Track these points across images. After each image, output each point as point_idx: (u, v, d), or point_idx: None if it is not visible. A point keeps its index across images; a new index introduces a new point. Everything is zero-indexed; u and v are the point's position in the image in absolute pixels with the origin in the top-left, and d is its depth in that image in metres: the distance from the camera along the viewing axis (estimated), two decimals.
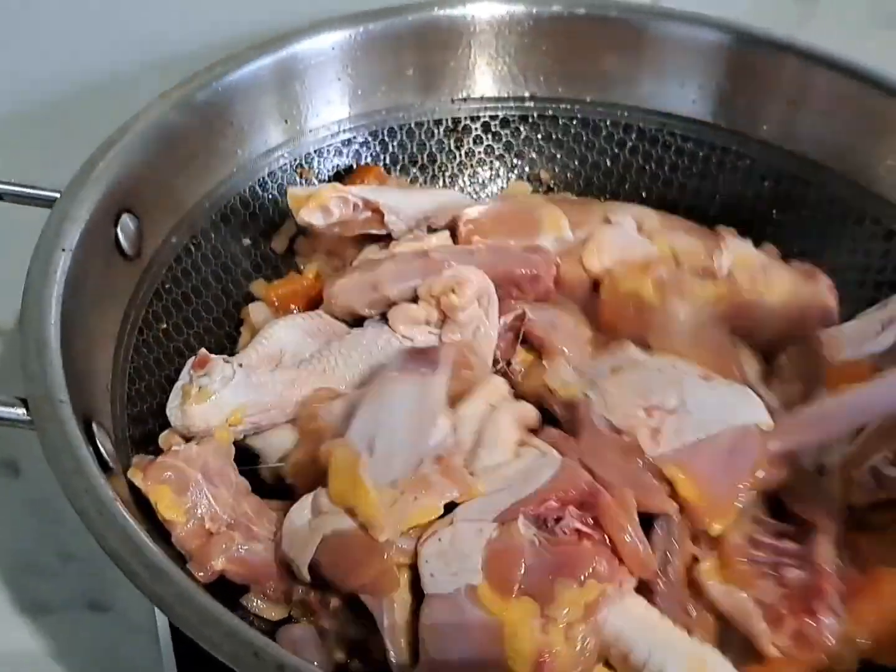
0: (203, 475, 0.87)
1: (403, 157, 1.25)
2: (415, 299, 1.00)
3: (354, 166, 1.22)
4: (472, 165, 1.29)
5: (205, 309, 1.08)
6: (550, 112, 1.26)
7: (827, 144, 1.18)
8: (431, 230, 1.12)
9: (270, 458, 0.96)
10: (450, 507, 0.83)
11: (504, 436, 0.90)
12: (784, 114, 1.20)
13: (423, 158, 1.26)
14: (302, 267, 1.17)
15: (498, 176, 1.30)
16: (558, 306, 1.05)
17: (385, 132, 1.23)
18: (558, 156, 1.29)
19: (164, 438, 0.93)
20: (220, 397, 0.91)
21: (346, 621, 0.83)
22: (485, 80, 1.25)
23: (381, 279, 1.01)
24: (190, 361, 0.95)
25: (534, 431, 0.94)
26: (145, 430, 0.94)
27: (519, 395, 0.98)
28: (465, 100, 1.25)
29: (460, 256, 1.03)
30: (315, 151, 1.19)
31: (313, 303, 1.09)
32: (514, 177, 1.29)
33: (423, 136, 1.25)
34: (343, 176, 1.21)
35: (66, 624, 1.04)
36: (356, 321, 1.05)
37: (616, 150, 1.27)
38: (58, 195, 0.94)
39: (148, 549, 0.71)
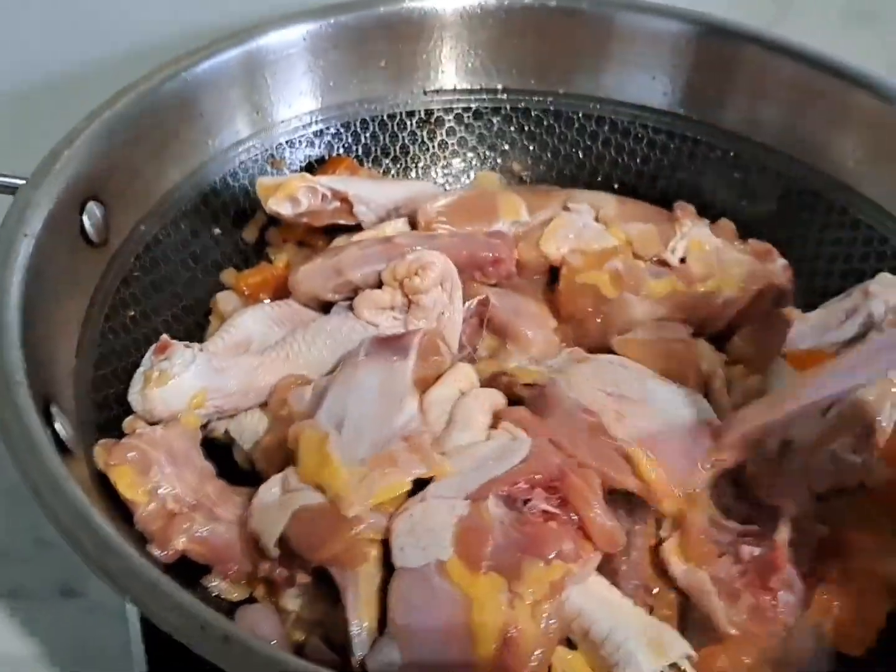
0: (167, 457, 0.88)
1: (376, 149, 1.26)
2: (379, 284, 1.01)
3: (327, 157, 1.23)
4: (445, 157, 1.30)
5: (174, 297, 1.09)
6: (523, 104, 1.27)
7: (795, 135, 1.19)
8: None
9: (245, 442, 0.97)
10: (421, 486, 0.84)
11: (475, 418, 0.91)
12: (753, 105, 1.21)
13: (395, 150, 1.27)
14: (273, 257, 1.17)
15: (471, 167, 1.31)
16: (520, 292, 1.06)
17: (357, 123, 1.24)
18: (531, 148, 1.30)
19: (127, 423, 0.94)
20: (181, 381, 0.92)
21: (310, 599, 0.85)
22: (457, 72, 1.26)
23: (344, 264, 1.02)
24: (152, 348, 0.96)
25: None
26: (110, 415, 0.95)
27: (483, 380, 0.99)
28: (437, 91, 1.26)
29: (423, 241, 1.03)
30: (287, 142, 1.20)
31: (283, 292, 1.09)
32: (486, 168, 1.30)
33: (395, 128, 1.25)
34: (315, 167, 1.22)
35: (38, 609, 1.05)
36: (323, 309, 1.06)
37: (588, 142, 1.27)
38: (23, 182, 0.95)
39: (97, 525, 0.71)
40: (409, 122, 1.26)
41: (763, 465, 0.92)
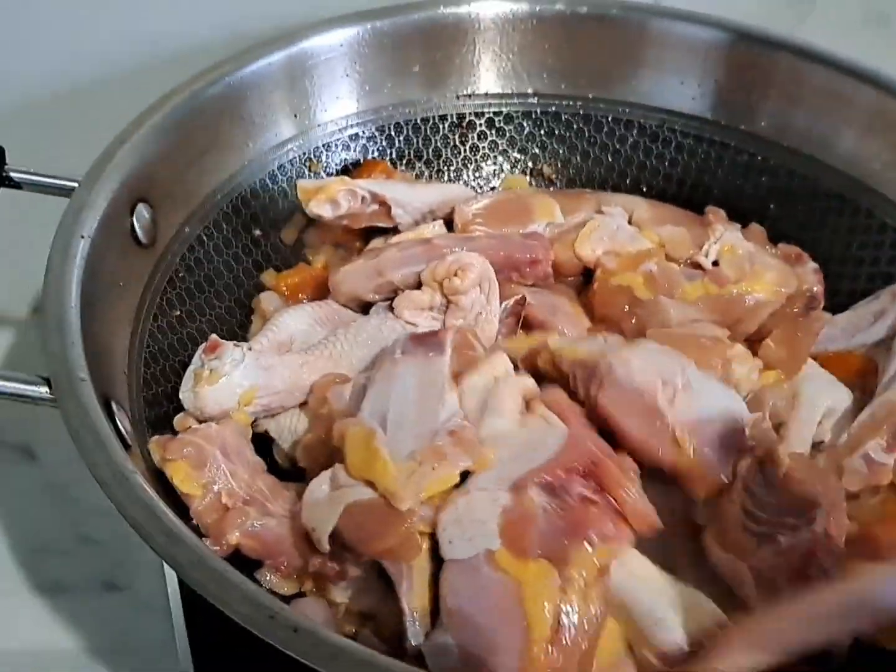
0: (221, 452, 0.90)
1: (409, 152, 1.27)
2: (418, 285, 1.03)
3: (361, 160, 1.25)
4: (476, 160, 1.31)
5: (217, 297, 1.11)
6: (553, 108, 1.29)
7: (823, 140, 1.20)
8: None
9: (285, 441, 0.99)
10: (464, 479, 0.85)
11: (508, 405, 0.92)
12: (781, 110, 1.22)
13: (428, 153, 1.28)
14: (311, 258, 1.19)
15: (502, 171, 1.32)
16: (556, 292, 1.08)
17: (391, 127, 1.25)
18: (561, 151, 1.31)
19: (178, 421, 0.96)
20: (231, 379, 0.94)
21: (361, 592, 0.86)
22: (489, 76, 1.28)
23: (384, 265, 1.05)
24: (201, 347, 0.97)
25: None
26: (160, 412, 0.97)
27: (522, 356, 1.01)
28: (469, 96, 1.28)
29: (461, 243, 1.05)
30: (323, 146, 1.22)
31: (322, 292, 1.11)
32: (517, 171, 1.32)
33: (428, 132, 1.27)
34: (350, 170, 1.24)
35: (81, 603, 1.06)
36: (363, 309, 1.08)
37: (617, 146, 1.29)
38: (75, 184, 0.97)
39: (166, 517, 0.73)
40: (441, 126, 1.28)
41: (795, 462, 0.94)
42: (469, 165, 1.31)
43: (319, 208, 1.10)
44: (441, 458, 0.84)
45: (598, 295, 1.08)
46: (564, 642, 0.76)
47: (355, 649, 0.68)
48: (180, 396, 0.96)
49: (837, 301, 1.12)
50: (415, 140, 1.27)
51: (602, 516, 0.82)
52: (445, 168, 1.30)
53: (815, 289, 1.10)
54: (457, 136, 1.30)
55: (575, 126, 1.29)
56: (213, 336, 0.98)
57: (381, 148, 1.26)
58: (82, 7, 1.11)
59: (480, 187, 1.32)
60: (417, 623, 0.81)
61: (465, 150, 1.31)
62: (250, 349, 0.97)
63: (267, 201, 1.18)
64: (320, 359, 1.00)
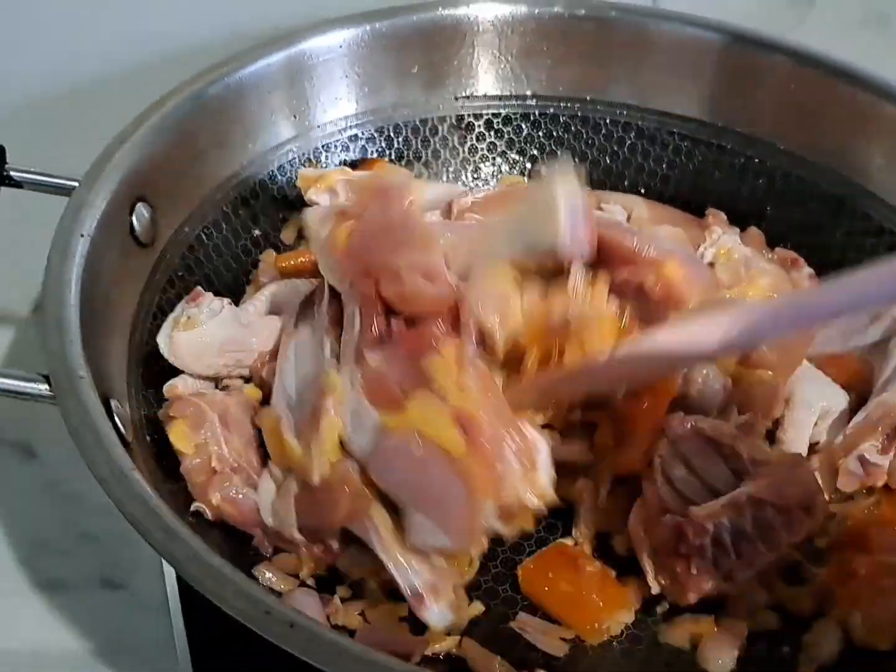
0: (220, 418, 0.93)
1: (408, 153, 1.28)
2: None
3: (360, 162, 1.25)
4: (474, 161, 1.32)
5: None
6: (551, 110, 1.29)
7: (819, 142, 1.21)
8: None
9: None
10: None
11: None
12: (777, 112, 1.23)
13: (427, 154, 1.29)
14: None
15: (500, 172, 1.33)
16: None
17: (391, 128, 1.26)
18: (559, 153, 1.32)
19: (167, 387, 0.98)
20: (207, 329, 0.96)
21: (357, 556, 0.89)
22: (488, 78, 1.28)
23: None
24: (185, 299, 0.99)
25: None
26: (158, 411, 0.97)
27: None
28: (468, 97, 1.29)
29: (455, 228, 1.06)
30: (323, 146, 1.22)
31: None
32: (515, 172, 1.32)
33: (427, 133, 1.28)
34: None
35: (80, 601, 1.06)
36: None
37: (615, 148, 1.30)
38: (76, 184, 0.97)
39: (164, 514, 0.74)
40: (440, 128, 1.28)
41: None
42: (467, 167, 1.32)
43: (318, 196, 1.11)
44: (315, 417, 0.86)
45: None
46: (477, 436, 0.80)
47: (351, 645, 0.68)
48: (157, 340, 0.97)
49: None
50: (413, 141, 1.28)
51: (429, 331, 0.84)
52: (444, 169, 1.31)
53: None
54: (455, 138, 1.30)
55: (573, 128, 1.30)
56: (198, 287, 1.00)
57: (379, 149, 1.26)
58: (83, 7, 1.12)
59: (479, 188, 1.32)
60: (402, 565, 0.83)
61: (463, 152, 1.31)
62: (231, 303, 1.00)
63: (267, 201, 1.19)
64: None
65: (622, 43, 1.26)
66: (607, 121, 1.29)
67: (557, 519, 0.97)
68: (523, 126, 1.31)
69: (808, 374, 1.04)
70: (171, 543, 0.72)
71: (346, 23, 1.19)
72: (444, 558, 0.84)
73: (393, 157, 1.27)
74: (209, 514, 0.90)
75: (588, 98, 1.29)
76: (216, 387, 1.01)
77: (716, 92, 1.26)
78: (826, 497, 0.94)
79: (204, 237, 1.11)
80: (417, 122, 1.27)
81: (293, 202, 1.19)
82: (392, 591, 0.87)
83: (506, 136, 1.31)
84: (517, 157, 1.33)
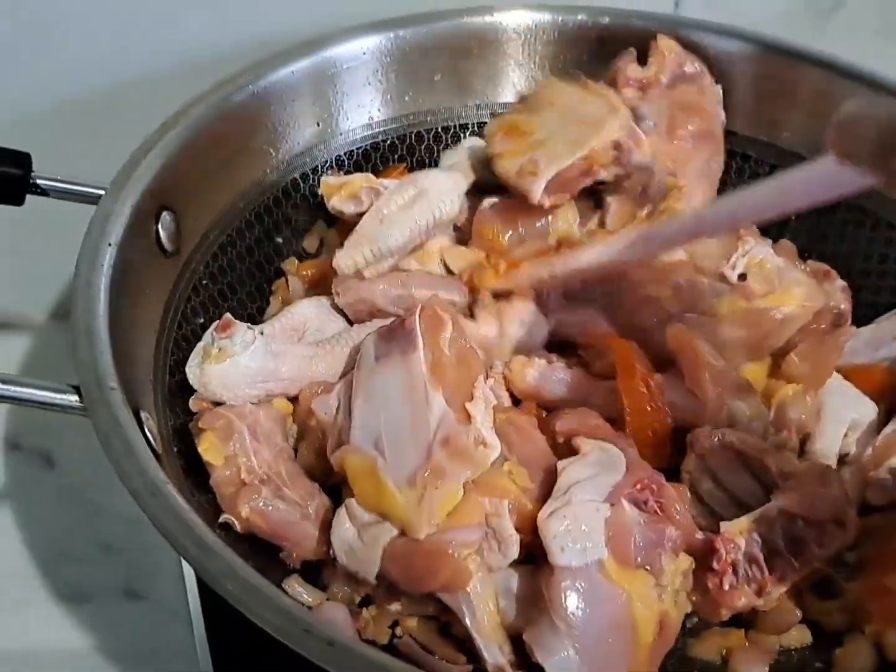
0: (249, 430, 0.92)
1: (430, 161, 1.27)
2: None
3: (382, 169, 1.24)
4: None
5: (240, 305, 1.11)
6: None
7: None
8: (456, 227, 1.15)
9: None
10: None
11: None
12: (803, 122, 1.22)
13: None
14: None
15: None
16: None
17: (413, 136, 1.25)
18: None
19: (193, 402, 0.97)
20: (238, 360, 0.95)
21: (415, 604, 0.88)
22: (510, 86, 1.28)
23: (413, 281, 1.06)
24: (215, 324, 0.98)
25: None
26: (186, 420, 0.96)
27: None
28: (490, 105, 1.28)
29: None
30: (345, 154, 1.22)
31: None
32: None
33: (449, 140, 1.27)
34: None
35: (103, 611, 1.07)
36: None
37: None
38: (101, 192, 0.97)
39: (199, 528, 0.73)
40: (462, 135, 1.27)
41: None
42: None
43: (341, 204, 1.10)
44: (442, 477, 0.85)
45: (627, 303, 1.07)
46: (661, 644, 0.82)
47: (390, 663, 0.68)
48: (186, 371, 0.97)
49: (859, 314, 1.12)
50: (435, 149, 1.27)
51: (674, 529, 0.85)
52: None
53: (842, 306, 1.09)
54: None
55: None
56: (227, 315, 0.98)
57: (401, 156, 1.26)
58: (108, 15, 1.11)
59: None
60: (489, 643, 0.83)
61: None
62: (262, 333, 0.98)
63: (289, 209, 1.18)
64: (330, 353, 1.01)
65: (645, 51, 1.25)
66: None
67: None
68: None
69: (836, 385, 1.04)
70: (207, 559, 0.71)
71: (370, 30, 1.19)
72: None
73: (415, 164, 1.26)
74: (238, 527, 0.89)
75: None
76: None
77: (739, 101, 1.25)
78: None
79: (227, 245, 1.10)
80: (440, 130, 1.27)
81: (315, 210, 1.18)
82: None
83: None
84: None
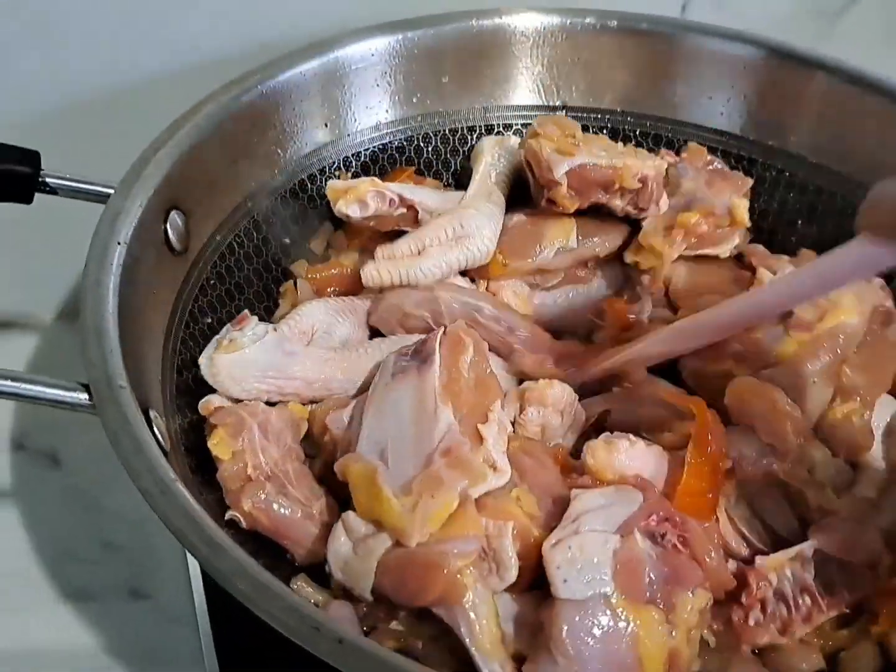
0: (259, 428, 0.92)
1: (437, 163, 1.27)
2: None
3: (389, 171, 1.25)
4: None
5: (247, 305, 1.10)
6: (581, 121, 1.28)
7: (852, 156, 1.20)
8: None
9: None
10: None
11: None
12: (810, 127, 1.23)
13: (456, 164, 1.28)
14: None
15: None
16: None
17: (420, 137, 1.25)
18: None
19: (202, 404, 0.97)
20: (248, 353, 0.96)
21: (416, 624, 0.85)
22: (518, 88, 1.28)
23: (444, 296, 1.06)
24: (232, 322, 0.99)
25: None
26: (193, 419, 0.96)
27: None
28: (498, 107, 1.28)
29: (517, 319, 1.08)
30: (353, 155, 1.22)
31: (350, 290, 1.12)
32: None
33: (456, 143, 1.27)
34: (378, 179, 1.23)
35: (107, 611, 1.07)
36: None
37: None
38: (110, 191, 0.97)
39: (209, 527, 0.73)
40: (470, 137, 1.27)
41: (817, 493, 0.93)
42: None
43: (348, 208, 1.09)
44: (438, 485, 0.84)
45: (698, 389, 1.04)
46: None
47: (401, 661, 0.67)
48: (199, 361, 0.97)
49: None
50: (443, 150, 1.27)
51: (693, 565, 0.83)
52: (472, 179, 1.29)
53: (887, 303, 1.06)
54: None
55: None
56: (245, 311, 0.99)
57: (409, 158, 1.26)
58: (117, 13, 1.11)
59: None
60: (489, 659, 0.80)
61: None
62: (275, 329, 0.98)
63: (296, 210, 1.18)
64: (346, 360, 1.01)
65: (653, 55, 1.26)
66: (637, 132, 1.29)
67: None
68: None
69: (886, 402, 1.00)
70: (217, 557, 0.71)
71: (379, 32, 1.19)
72: None
73: (422, 166, 1.26)
74: (244, 523, 0.89)
75: (618, 109, 1.29)
76: None
77: (747, 105, 1.25)
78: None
79: (235, 245, 1.10)
80: (447, 132, 1.27)
81: (323, 211, 1.18)
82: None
83: None
84: None
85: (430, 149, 1.26)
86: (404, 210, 1.12)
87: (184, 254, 1.03)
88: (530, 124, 1.26)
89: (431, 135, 1.26)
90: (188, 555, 1.10)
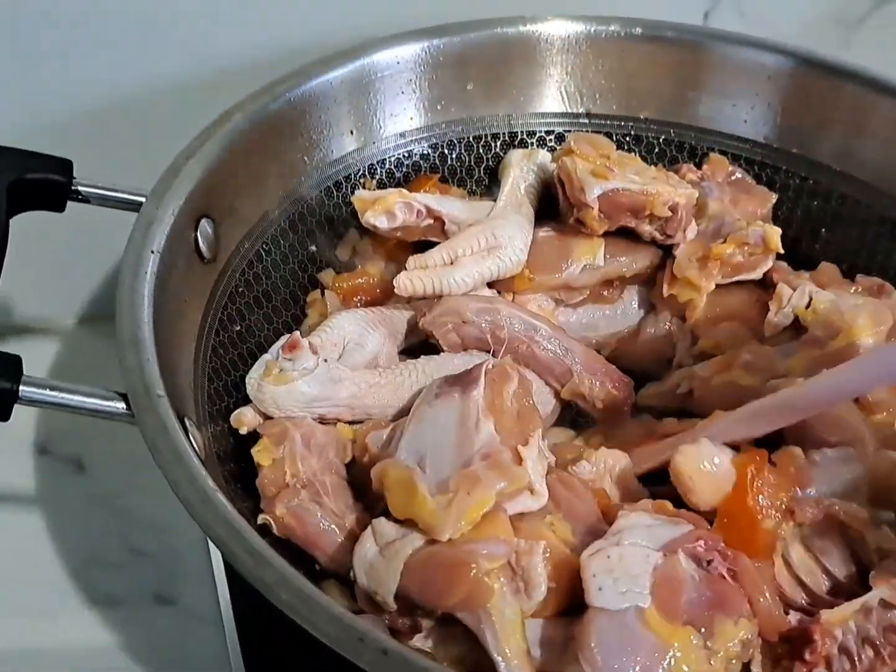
0: (302, 438, 0.92)
1: (461, 170, 1.27)
2: None
3: (414, 178, 1.25)
4: None
5: (274, 313, 1.11)
6: (605, 129, 1.28)
7: (877, 165, 1.21)
8: None
9: None
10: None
11: None
12: (834, 135, 1.23)
13: (480, 171, 1.28)
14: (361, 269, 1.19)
15: None
16: None
17: (445, 145, 1.25)
18: None
19: (234, 417, 0.97)
20: (296, 387, 0.95)
21: (444, 640, 0.84)
22: (542, 96, 1.28)
23: (502, 307, 1.07)
24: (284, 338, 0.98)
25: None
26: (224, 427, 0.97)
27: None
28: (522, 115, 1.28)
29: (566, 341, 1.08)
30: (378, 162, 1.22)
31: (377, 299, 1.13)
32: None
33: (480, 150, 1.27)
34: (403, 186, 1.23)
35: (134, 617, 1.07)
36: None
37: (668, 167, 1.29)
38: (142, 199, 0.97)
39: (251, 536, 0.73)
40: (493, 145, 1.27)
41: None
42: None
43: (375, 219, 1.09)
44: (475, 483, 0.83)
45: (701, 396, 1.06)
46: None
47: None
48: (246, 379, 0.97)
49: None
50: (467, 158, 1.27)
51: (740, 596, 0.81)
52: (496, 186, 1.29)
53: None
54: None
55: (626, 147, 1.29)
56: (297, 333, 0.97)
57: (433, 165, 1.26)
58: (148, 23, 1.12)
59: None
60: (514, 669, 0.78)
61: None
62: (325, 361, 0.98)
63: (322, 218, 1.18)
64: (392, 383, 1.01)
65: (677, 62, 1.26)
66: (661, 140, 1.29)
67: None
68: None
69: None
70: (260, 567, 0.71)
71: (404, 40, 1.19)
72: None
73: (446, 173, 1.26)
74: (275, 528, 0.89)
75: (642, 117, 1.29)
76: None
77: (770, 113, 1.26)
78: None
79: (263, 253, 1.10)
80: (471, 139, 1.27)
81: (347, 219, 1.19)
82: None
83: None
84: None
85: (454, 156, 1.26)
86: (431, 221, 1.12)
87: (213, 262, 1.03)
88: (553, 131, 1.27)
89: (456, 142, 1.26)
90: (213, 560, 1.10)
